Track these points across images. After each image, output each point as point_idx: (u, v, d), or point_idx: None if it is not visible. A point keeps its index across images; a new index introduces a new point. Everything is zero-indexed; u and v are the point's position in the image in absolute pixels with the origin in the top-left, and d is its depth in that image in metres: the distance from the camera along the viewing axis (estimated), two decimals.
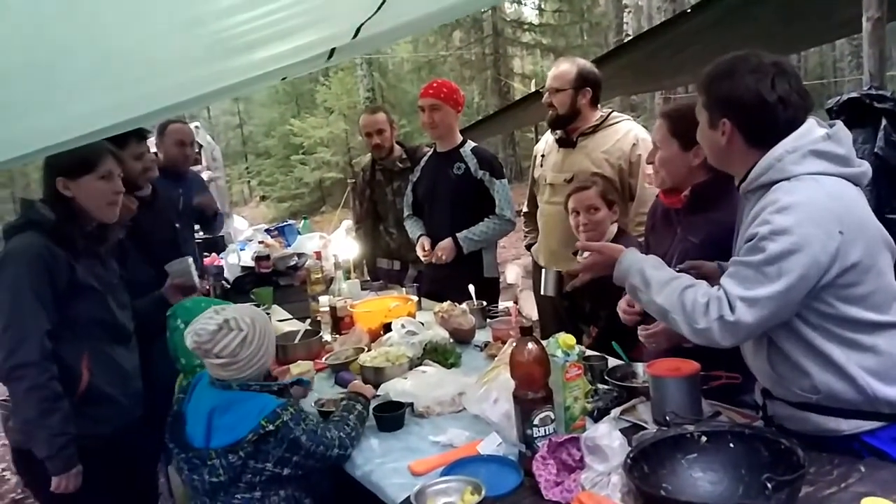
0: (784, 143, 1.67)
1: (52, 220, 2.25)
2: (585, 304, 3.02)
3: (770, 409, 1.84)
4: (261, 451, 1.88)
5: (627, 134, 3.22)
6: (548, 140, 3.51)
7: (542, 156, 3.51)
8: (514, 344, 1.85)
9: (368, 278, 4.25)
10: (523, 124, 13.13)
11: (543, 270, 3.08)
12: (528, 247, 3.82)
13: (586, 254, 2.80)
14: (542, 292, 3.07)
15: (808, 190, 1.60)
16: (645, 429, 1.91)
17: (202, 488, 1.97)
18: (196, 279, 2.95)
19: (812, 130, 1.68)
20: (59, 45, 1.33)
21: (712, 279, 1.96)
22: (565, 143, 3.34)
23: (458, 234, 3.60)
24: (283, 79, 2.01)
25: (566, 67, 3.27)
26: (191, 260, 2.97)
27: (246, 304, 2.18)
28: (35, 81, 1.47)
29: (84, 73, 1.54)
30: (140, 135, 3.02)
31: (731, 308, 1.61)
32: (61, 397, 2.15)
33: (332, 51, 1.96)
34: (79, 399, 2.23)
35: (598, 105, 3.34)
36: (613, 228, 2.90)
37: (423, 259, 3.73)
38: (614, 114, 3.32)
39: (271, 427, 1.87)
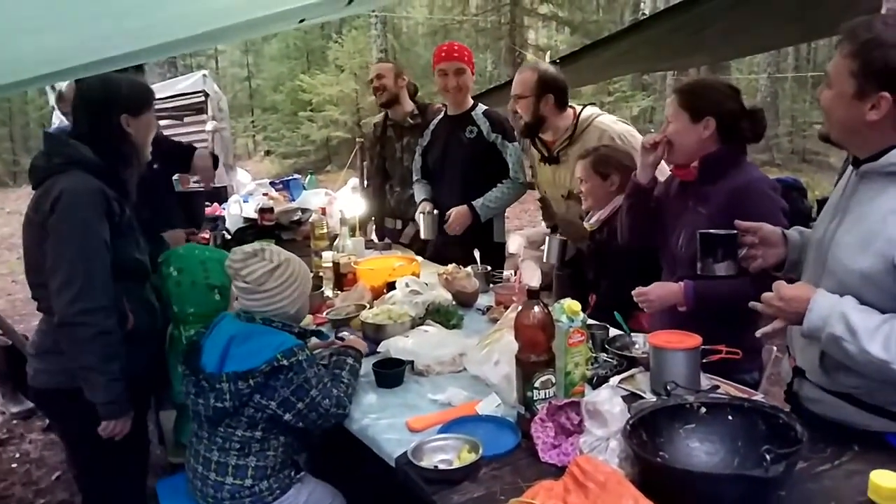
0: None
1: (96, 159, 2.15)
2: (589, 273, 3.02)
3: (797, 386, 1.81)
4: (269, 385, 1.91)
5: (603, 136, 3.10)
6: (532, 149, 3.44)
7: (531, 167, 3.49)
8: (521, 307, 1.85)
9: (375, 238, 4.25)
10: None
11: (547, 239, 3.10)
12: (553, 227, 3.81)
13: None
14: (544, 260, 3.08)
15: None
16: (642, 398, 1.92)
17: (205, 414, 1.99)
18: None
19: None
20: None
21: (774, 247, 1.90)
22: (549, 160, 3.28)
23: (474, 203, 3.57)
24: (301, 21, 1.95)
25: (527, 74, 3.20)
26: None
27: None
28: (52, 2, 1.44)
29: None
30: (138, 68, 2.96)
31: None
32: (121, 342, 2.12)
33: None
34: (126, 340, 2.19)
35: (567, 106, 3.22)
36: (618, 200, 2.85)
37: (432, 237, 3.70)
38: (583, 114, 3.19)
39: (285, 362, 1.90)
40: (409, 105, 4.09)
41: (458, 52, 3.63)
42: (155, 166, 3.15)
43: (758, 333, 1.77)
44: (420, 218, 3.59)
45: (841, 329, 1.52)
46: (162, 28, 1.92)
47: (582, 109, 3.22)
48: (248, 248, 2.09)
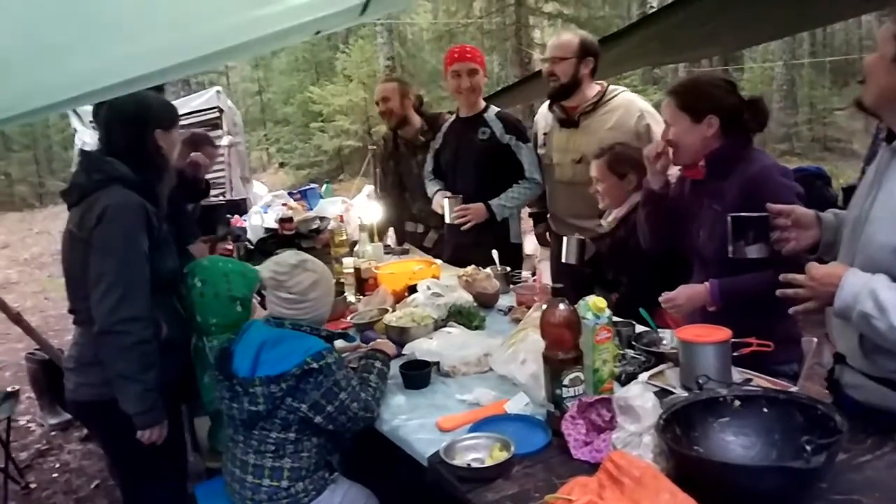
0: None
1: (133, 175, 2.20)
2: (608, 272, 3.00)
3: (838, 373, 1.78)
4: (300, 388, 1.93)
5: (630, 106, 3.20)
6: (546, 118, 3.49)
7: (545, 134, 3.49)
8: (546, 305, 1.84)
9: (391, 243, 4.25)
10: (544, 95, 12.97)
11: (565, 239, 3.08)
12: (535, 215, 3.90)
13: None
14: (563, 260, 3.06)
15: None
16: (673, 394, 1.90)
17: (239, 418, 2.01)
18: None
19: None
20: None
21: (807, 229, 1.87)
22: (567, 123, 3.32)
23: (491, 203, 3.56)
24: (317, 33, 1.97)
25: (569, 37, 3.27)
26: None
27: None
28: (74, 25, 1.46)
29: (122, 17, 1.52)
30: (159, 87, 3.00)
31: None
32: (157, 352, 2.16)
33: (367, 3, 1.92)
34: (160, 348, 2.22)
35: (594, 78, 3.33)
36: (635, 197, 2.83)
37: (455, 221, 3.61)
38: (611, 87, 3.30)
39: (315, 365, 1.92)
40: (417, 122, 4.06)
41: (470, 53, 3.63)
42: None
43: (791, 311, 1.75)
44: (445, 203, 3.56)
45: (870, 306, 1.49)
46: (182, 48, 1.94)
47: (609, 84, 3.32)
48: (290, 259, 2.14)
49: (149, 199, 2.21)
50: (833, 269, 1.61)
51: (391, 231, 4.42)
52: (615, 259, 2.95)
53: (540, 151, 3.54)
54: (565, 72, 3.21)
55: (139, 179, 2.21)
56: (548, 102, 3.46)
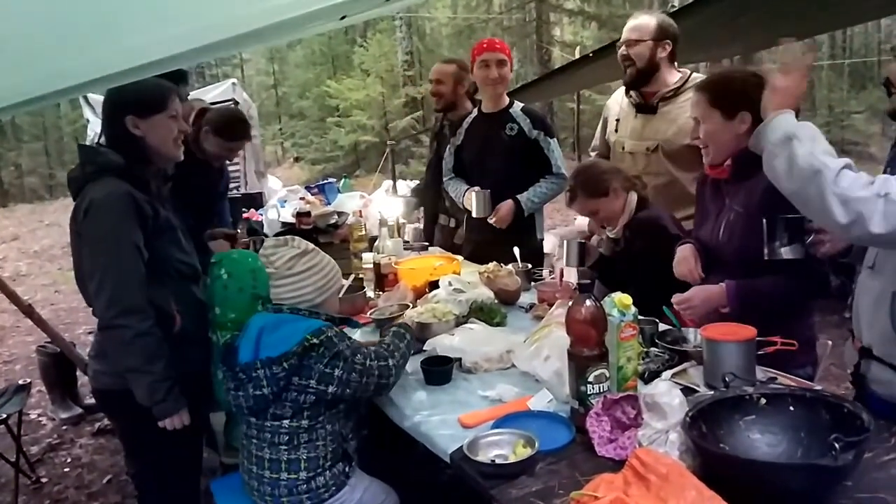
0: None
1: (123, 164, 2.18)
2: (618, 276, 2.94)
3: (864, 368, 1.79)
4: (304, 365, 1.93)
5: None
6: (620, 103, 3.31)
7: (617, 120, 3.30)
8: (572, 301, 1.84)
9: (408, 239, 4.24)
10: (564, 92, 12.94)
11: (565, 242, 3.03)
12: None
13: None
14: (564, 264, 3.02)
15: None
16: (696, 392, 1.90)
17: (246, 405, 2.01)
18: None
19: None
20: None
21: None
22: (644, 108, 3.15)
23: (519, 197, 3.54)
24: (342, 18, 1.96)
25: (645, 18, 3.10)
26: None
27: None
28: (90, 11, 1.46)
29: (141, 3, 1.53)
30: (182, 78, 3.01)
31: None
32: (163, 342, 2.14)
33: None
34: (174, 340, 2.21)
35: (676, 64, 3.14)
36: (633, 201, 2.84)
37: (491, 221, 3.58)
38: (694, 75, 3.11)
39: (315, 340, 1.93)
40: (467, 108, 3.99)
41: (499, 44, 3.61)
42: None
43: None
44: (473, 196, 3.53)
45: (805, 132, 1.63)
46: (202, 32, 1.95)
47: (692, 72, 3.15)
48: (280, 238, 2.18)
49: (140, 187, 2.18)
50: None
51: (409, 227, 4.40)
52: (623, 264, 2.90)
53: (611, 138, 3.35)
54: (641, 55, 3.03)
55: (128, 168, 2.18)
56: (623, 87, 3.28)
